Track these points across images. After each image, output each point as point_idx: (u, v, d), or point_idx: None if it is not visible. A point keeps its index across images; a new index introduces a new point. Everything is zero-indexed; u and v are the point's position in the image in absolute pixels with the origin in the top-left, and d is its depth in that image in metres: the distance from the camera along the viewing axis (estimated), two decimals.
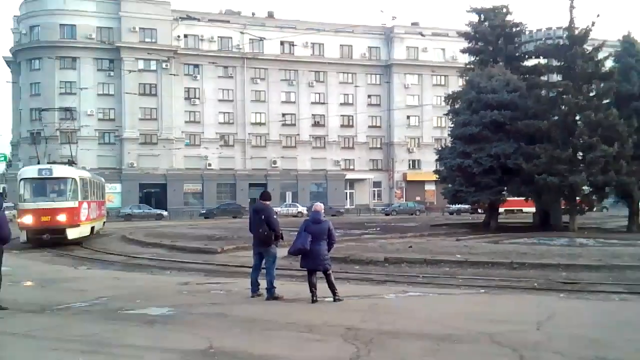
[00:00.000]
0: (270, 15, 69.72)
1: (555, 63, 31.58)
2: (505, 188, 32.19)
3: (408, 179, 70.53)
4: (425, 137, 71.01)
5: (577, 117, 29.24)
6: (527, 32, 35.72)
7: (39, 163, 25.16)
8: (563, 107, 29.98)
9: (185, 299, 10.20)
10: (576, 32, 29.91)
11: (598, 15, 30.37)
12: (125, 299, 10.12)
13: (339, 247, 13.86)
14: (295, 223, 18.47)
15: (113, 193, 57.56)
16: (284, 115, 67.50)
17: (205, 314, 8.84)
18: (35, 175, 22.68)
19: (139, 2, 62.70)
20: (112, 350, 6.73)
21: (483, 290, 11.54)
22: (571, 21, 30.10)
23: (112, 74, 61.97)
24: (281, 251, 11.15)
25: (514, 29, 35.84)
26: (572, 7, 30.18)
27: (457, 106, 34.97)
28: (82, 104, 58.64)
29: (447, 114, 39.02)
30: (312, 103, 69.07)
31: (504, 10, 35.82)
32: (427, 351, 6.57)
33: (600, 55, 30.84)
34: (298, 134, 68.40)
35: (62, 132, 53.05)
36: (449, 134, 36.62)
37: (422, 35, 68.89)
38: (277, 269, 10.58)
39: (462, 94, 34.66)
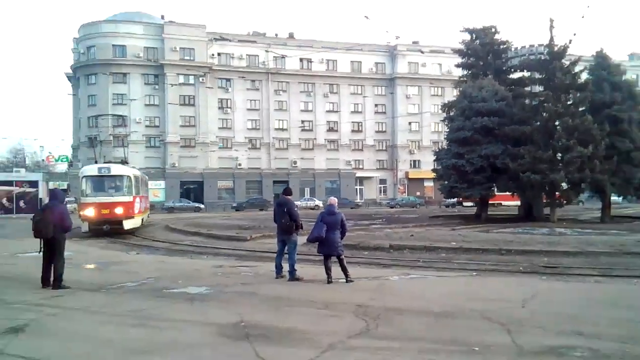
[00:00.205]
0: (291, 35, 69.64)
1: (537, 75, 31.29)
2: (494, 184, 31.96)
3: (410, 176, 70.24)
4: (424, 140, 70.65)
5: (557, 123, 28.97)
6: (512, 49, 35.50)
7: (96, 163, 25.00)
8: (544, 114, 29.74)
9: (220, 280, 10.22)
10: (555, 48, 29.66)
11: (575, 34, 30.30)
12: (168, 280, 10.19)
13: (350, 235, 13.87)
14: (312, 215, 18.50)
15: (158, 189, 58.00)
16: (302, 122, 67.54)
17: (237, 293, 8.87)
18: (96, 173, 22.37)
19: (179, 25, 63.08)
20: (157, 324, 6.78)
21: (475, 273, 11.47)
22: (551, 39, 29.86)
23: (156, 87, 62.31)
24: (301, 239, 11.19)
25: (501, 46, 35.57)
26: (552, 27, 29.98)
27: (452, 113, 34.74)
28: (131, 113, 58.97)
29: (443, 120, 38.80)
30: (327, 111, 68.97)
31: (493, 30, 35.54)
32: (426, 326, 6.56)
33: (577, 69, 30.52)
34: (315, 138, 68.35)
35: (115, 137, 53.71)
36: (445, 138, 36.41)
37: (422, 52, 68.39)
38: (297, 254, 10.57)
39: (456, 102, 34.43)
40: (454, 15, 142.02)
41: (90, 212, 21.23)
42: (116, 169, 22.91)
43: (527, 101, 31.84)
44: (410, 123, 70.92)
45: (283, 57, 63.69)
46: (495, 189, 32.89)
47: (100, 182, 22.26)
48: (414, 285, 9.80)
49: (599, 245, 15.32)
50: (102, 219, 21.29)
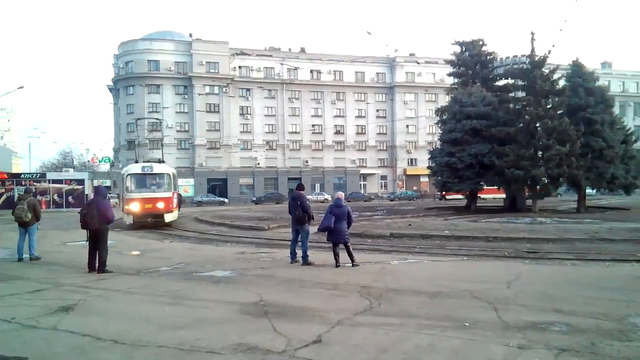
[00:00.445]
0: (302, 50, 69.50)
1: (520, 83, 31.03)
2: (482, 179, 31.78)
3: (407, 173, 69.96)
4: (420, 141, 70.29)
5: (537, 124, 28.72)
6: (498, 59, 35.22)
7: (137, 162, 24.46)
8: (526, 116, 29.51)
9: (242, 264, 10.24)
10: (536, 58, 29.41)
11: (553, 46, 30.75)
12: (197, 265, 10.23)
13: (355, 225, 13.85)
14: (322, 207, 18.48)
15: (188, 185, 58.27)
16: (313, 125, 67.47)
17: (257, 275, 8.89)
18: (140, 171, 21.79)
19: (205, 42, 63.15)
20: (189, 303, 6.83)
21: (465, 258, 11.40)
22: (532, 50, 29.60)
23: (186, 96, 62.49)
24: (312, 228, 11.18)
25: (488, 57, 35.34)
26: (533, 39, 29.71)
27: (444, 117, 34.56)
28: (163, 119, 59.32)
29: (437, 123, 38.63)
30: (335, 116, 68.80)
31: (480, 42, 35.31)
32: (423, 304, 6.54)
33: (555, 76, 30.27)
34: (324, 140, 68.23)
35: (150, 140, 53.96)
36: (438, 139, 36.20)
37: (418, 63, 68.19)
38: (309, 242, 10.61)
39: (448, 107, 34.24)
40: (446, 30, 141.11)
41: (135, 207, 20.79)
42: (157, 168, 22.38)
43: (511, 105, 31.62)
44: (407, 126, 70.59)
45: (296, 69, 63.60)
46: (483, 184, 32.71)
47: (144, 180, 21.80)
48: (411, 268, 9.77)
49: (575, 233, 15.19)
50: (146, 212, 20.92)
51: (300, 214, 10.23)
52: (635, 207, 30.92)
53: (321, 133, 67.85)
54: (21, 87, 40.14)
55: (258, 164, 64.63)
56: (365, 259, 10.56)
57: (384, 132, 71.37)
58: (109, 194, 27.55)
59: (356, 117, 69.69)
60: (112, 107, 69.01)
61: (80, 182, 44.00)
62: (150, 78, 61.51)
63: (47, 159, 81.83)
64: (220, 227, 22.21)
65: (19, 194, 17.65)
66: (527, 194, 30.99)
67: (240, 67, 64.67)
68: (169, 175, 22.20)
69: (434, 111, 43.07)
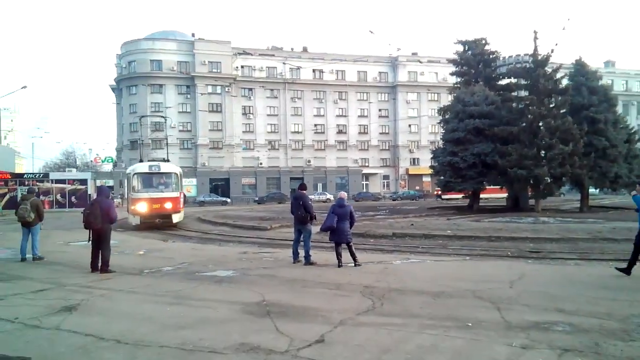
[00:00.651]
0: (305, 49, 69.50)
1: (523, 82, 30.98)
2: (485, 179, 31.71)
3: (410, 172, 69.91)
4: (423, 140, 70.22)
5: (540, 124, 28.67)
6: (501, 58, 35.19)
7: (141, 161, 23.78)
8: (529, 116, 29.46)
9: (244, 264, 10.24)
10: (539, 57, 29.32)
11: (556, 44, 30.41)
12: (200, 264, 10.23)
13: (358, 225, 13.82)
14: (324, 207, 18.47)
15: (190, 185, 58.29)
16: (315, 125, 67.50)
17: (259, 275, 8.88)
18: (147, 170, 21.12)
19: (207, 42, 63.23)
20: (191, 302, 6.84)
21: (468, 258, 11.38)
22: (535, 49, 29.51)
23: (188, 96, 62.59)
24: (314, 228, 11.18)
25: (490, 56, 35.26)
26: (535, 38, 29.64)
27: (447, 116, 34.48)
28: (166, 119, 59.42)
29: (439, 123, 38.51)
30: (337, 116, 68.82)
31: (483, 41, 35.22)
32: (425, 304, 6.53)
33: (558, 75, 30.19)
34: (326, 140, 68.24)
35: (153, 140, 54.07)
36: (441, 138, 36.17)
37: (420, 62, 68.03)
38: (311, 241, 10.59)
39: (451, 107, 34.16)
40: (449, 29, 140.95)
41: (142, 207, 20.18)
42: (165, 167, 21.77)
43: (514, 105, 31.54)
44: (410, 125, 70.53)
45: (298, 68, 63.63)
46: (486, 183, 32.67)
47: (151, 179, 21.18)
48: (414, 268, 9.75)
49: (578, 232, 15.16)
50: (153, 213, 20.29)
51: (302, 213, 10.22)
52: None
53: (323, 133, 67.85)
54: (24, 87, 40.29)
55: (260, 163, 64.67)
56: (368, 259, 10.54)
57: (387, 131, 71.32)
58: (112, 193, 27.45)
59: (358, 116, 69.67)
60: (115, 107, 69.15)
61: (83, 182, 44.07)
62: (152, 78, 61.61)
63: (50, 158, 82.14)
64: (223, 227, 22.18)
65: (22, 194, 17.69)
66: (529, 193, 30.91)
67: (242, 67, 64.71)
68: (177, 174, 21.64)
69: (436, 110, 42.94)
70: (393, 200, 57.87)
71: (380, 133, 70.90)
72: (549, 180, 28.61)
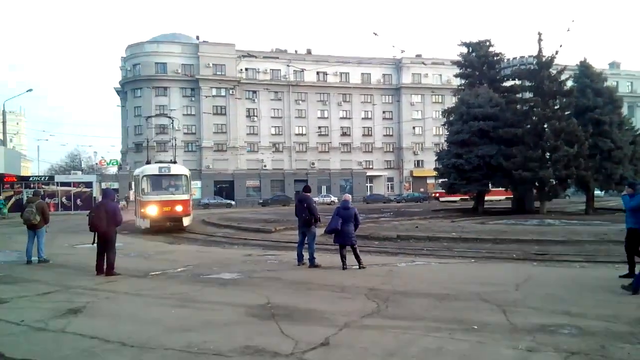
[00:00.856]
0: (309, 52, 69.59)
1: (527, 83, 30.90)
2: (490, 181, 31.62)
3: (414, 174, 69.74)
4: (427, 142, 70.07)
5: (545, 126, 28.56)
6: (505, 60, 35.01)
7: (148, 163, 23.21)
8: (534, 117, 29.38)
9: (249, 267, 10.25)
10: (543, 59, 29.27)
11: (561, 46, 30.40)
12: (205, 267, 10.25)
13: (362, 227, 13.80)
14: (328, 210, 18.45)
15: (194, 188, 58.17)
16: (319, 127, 67.50)
17: (264, 278, 8.89)
18: (156, 172, 20.50)
19: (212, 45, 63.47)
20: (196, 305, 6.85)
21: (473, 260, 11.33)
22: (539, 51, 29.45)
23: (193, 99, 62.75)
24: (319, 231, 11.17)
25: (495, 58, 35.15)
26: (540, 40, 29.60)
27: (451, 118, 34.42)
28: (171, 122, 59.50)
29: (443, 125, 38.48)
30: (341, 118, 68.79)
31: (487, 43, 35.14)
32: (431, 307, 6.51)
33: (563, 77, 30.11)
34: (330, 142, 68.22)
35: (158, 143, 54.20)
36: (445, 140, 36.09)
37: (424, 64, 68.03)
38: (316, 244, 10.59)
39: (455, 109, 34.10)
40: (453, 31, 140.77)
41: (152, 210, 19.48)
42: (175, 169, 21.15)
43: (518, 106, 31.48)
44: (414, 127, 70.46)
45: (302, 70, 63.72)
46: (491, 185, 32.56)
47: (161, 181, 20.60)
48: (419, 271, 9.74)
49: (584, 235, 15.09)
50: (164, 216, 19.65)
51: (306, 216, 10.23)
52: None
53: (327, 135, 67.86)
54: (30, 90, 40.49)
55: (264, 166, 64.72)
56: (372, 261, 10.53)
57: (390, 133, 71.24)
58: (117, 196, 27.23)
59: (362, 118, 69.61)
60: (120, 110, 69.41)
61: (89, 184, 44.27)
62: (157, 81, 61.79)
63: (56, 161, 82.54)
64: (227, 229, 22.18)
65: (27, 196, 17.75)
66: (535, 195, 30.80)
67: (246, 69, 64.82)
68: (187, 176, 21.10)
69: (440, 112, 42.98)
70: (397, 202, 57.74)
71: (384, 135, 70.82)
72: (554, 182, 28.48)
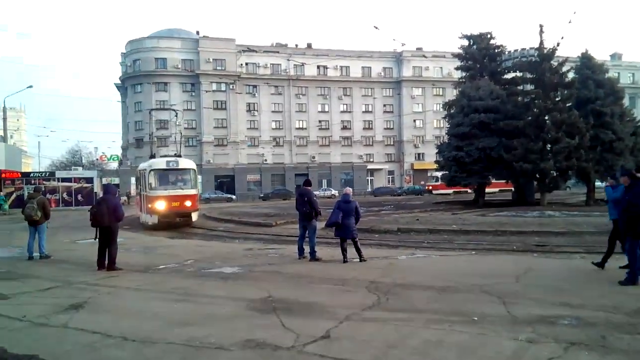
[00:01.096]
0: (309, 46, 69.31)
1: (528, 75, 30.72)
2: (490, 173, 31.57)
3: (415, 167, 69.65)
4: (427, 135, 69.97)
5: (546, 117, 28.44)
6: (506, 52, 34.92)
7: (153, 157, 22.59)
8: (535, 109, 29.24)
9: (250, 261, 10.27)
10: (545, 51, 29.08)
11: (562, 38, 30.06)
12: (206, 261, 10.27)
13: (363, 220, 13.78)
14: (329, 203, 18.44)
15: None
16: (320, 121, 67.38)
17: (265, 272, 8.91)
18: (164, 167, 20.02)
19: (212, 40, 63.26)
20: (197, 299, 6.87)
21: (474, 252, 11.34)
22: (541, 42, 29.27)
23: (193, 94, 62.64)
24: (320, 224, 11.17)
25: (496, 50, 34.98)
26: (541, 31, 29.37)
27: (452, 111, 34.31)
28: (172, 117, 59.47)
29: (444, 117, 38.35)
30: (342, 112, 68.66)
31: (489, 36, 34.95)
32: (431, 299, 6.53)
33: (564, 69, 29.93)
34: (331, 135, 68.13)
35: (159, 138, 54.12)
36: (446, 133, 35.99)
37: (425, 57, 67.82)
38: (317, 237, 10.61)
39: (456, 101, 33.99)
40: (454, 23, 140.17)
41: (160, 205, 19.00)
42: (183, 163, 20.67)
43: (519, 99, 31.35)
44: (415, 120, 70.32)
45: (302, 65, 63.51)
46: (491, 178, 32.52)
47: (169, 176, 20.14)
48: (419, 263, 9.75)
49: (584, 226, 15.09)
50: (173, 211, 19.23)
51: (307, 209, 10.24)
52: None
53: (328, 129, 67.76)
54: (30, 87, 40.47)
55: (265, 160, 64.70)
56: (373, 254, 10.54)
57: (391, 127, 71.12)
58: (118, 191, 27.15)
59: (363, 112, 69.47)
60: (120, 105, 69.34)
61: (89, 180, 44.34)
62: (157, 76, 61.66)
63: (56, 157, 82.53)
64: (228, 223, 22.19)
65: (28, 192, 17.80)
66: (535, 187, 30.77)
67: (247, 64, 64.64)
68: (194, 170, 20.77)
69: (441, 105, 42.76)
70: (398, 195, 57.75)
71: (385, 128, 70.70)
72: (554, 174, 28.41)
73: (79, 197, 42.57)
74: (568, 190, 44.09)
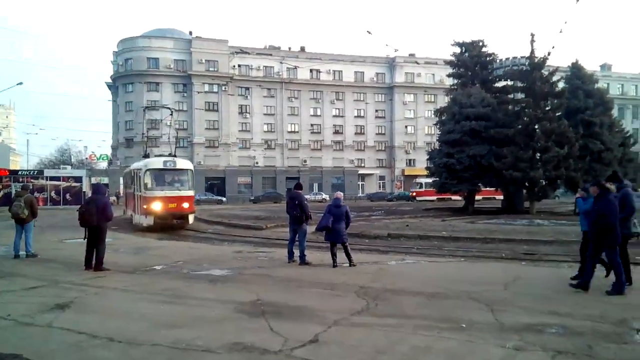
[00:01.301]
0: (302, 49, 69.45)
1: (519, 84, 31.03)
2: (480, 181, 31.77)
3: (406, 173, 69.84)
4: (419, 141, 70.28)
5: (536, 126, 28.72)
6: (497, 61, 35.26)
7: (146, 157, 22.08)
8: (525, 118, 29.51)
9: (239, 264, 10.24)
10: (536, 60, 29.38)
11: (553, 47, 30.75)
12: (195, 263, 10.22)
13: (353, 225, 13.81)
14: (320, 207, 18.41)
15: None
16: (312, 125, 67.47)
17: (254, 275, 8.88)
18: (161, 167, 19.40)
19: (204, 40, 63.12)
20: (185, 301, 6.84)
21: (463, 259, 11.40)
22: (532, 52, 29.56)
23: (185, 94, 62.39)
24: (310, 228, 11.16)
25: (487, 58, 35.28)
26: (532, 41, 29.67)
27: (443, 118, 34.52)
28: (163, 117, 59.14)
29: (435, 124, 38.55)
30: (334, 116, 68.79)
31: (480, 44, 35.24)
32: (420, 305, 6.54)
33: (554, 78, 30.22)
34: (323, 140, 68.21)
35: (149, 138, 53.76)
36: (437, 139, 36.16)
37: (417, 63, 68.20)
38: (307, 241, 10.59)
39: (447, 108, 34.20)
40: (447, 30, 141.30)
41: (157, 206, 18.50)
42: (181, 163, 20.16)
43: (510, 107, 31.63)
44: (406, 126, 70.65)
45: (295, 68, 63.55)
46: (481, 185, 32.73)
47: (166, 176, 19.56)
48: (409, 269, 9.77)
49: (572, 235, 15.13)
50: (169, 213, 18.75)
51: (298, 213, 10.23)
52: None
53: (320, 133, 67.83)
54: (20, 84, 40.04)
55: (256, 163, 64.57)
56: (363, 259, 10.55)
57: (383, 132, 71.38)
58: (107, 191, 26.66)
59: (355, 117, 69.68)
60: (111, 105, 68.88)
61: (78, 179, 43.91)
62: (149, 76, 61.38)
63: (45, 155, 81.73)
64: (218, 225, 22.14)
65: (16, 190, 17.57)
66: (525, 195, 30.99)
67: (239, 66, 64.58)
68: (192, 171, 20.33)
69: (433, 112, 43.09)
70: (388, 201, 57.86)
71: (377, 134, 70.94)
72: (544, 183, 28.68)
73: (68, 196, 42.16)
74: (557, 199, 44.49)
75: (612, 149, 28.89)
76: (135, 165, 22.01)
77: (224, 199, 55.97)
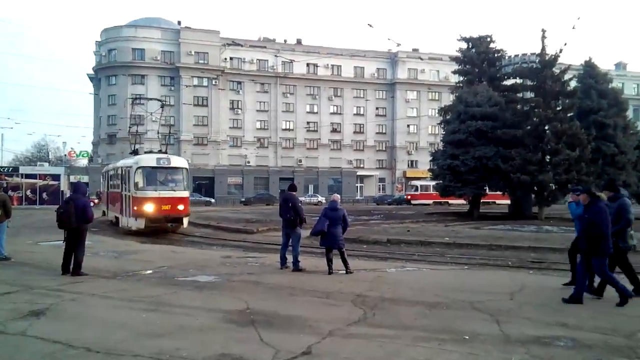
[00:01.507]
0: (299, 42, 69.58)
1: (529, 83, 31.13)
2: (486, 184, 31.83)
3: (407, 175, 69.98)
4: (421, 142, 70.53)
5: (546, 127, 28.82)
6: (506, 57, 35.28)
7: (135, 153, 21.49)
8: (535, 118, 29.59)
9: (228, 269, 10.22)
10: (547, 57, 29.48)
11: (565, 44, 30.32)
12: (180, 269, 10.19)
13: (350, 230, 13.78)
14: (315, 210, 18.44)
15: None
16: (308, 123, 67.58)
17: (244, 282, 8.87)
18: (154, 165, 18.73)
19: (194, 31, 63.14)
20: (169, 309, 6.81)
21: (466, 267, 11.43)
22: (543, 48, 29.67)
23: (172, 88, 62.34)
24: (304, 232, 11.16)
25: (495, 55, 35.37)
26: (543, 37, 29.77)
27: (448, 117, 34.56)
28: (153, 110, 58.97)
29: (440, 124, 38.67)
30: (331, 113, 68.96)
31: (488, 39, 35.34)
32: (420, 315, 6.54)
33: (566, 77, 30.35)
34: (319, 138, 68.32)
35: (132, 135, 53.70)
36: (441, 140, 36.22)
37: (421, 59, 68.35)
38: (301, 246, 10.59)
39: (452, 107, 34.26)
40: (452, 24, 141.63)
41: (149, 208, 17.92)
42: (175, 161, 19.55)
43: (518, 106, 31.70)
44: (408, 125, 70.84)
45: (291, 62, 63.61)
46: (487, 189, 32.81)
47: (160, 175, 18.93)
48: (409, 277, 9.77)
49: None
50: (163, 215, 18.25)
51: (291, 216, 10.22)
52: None
53: (316, 131, 67.90)
54: None
55: (248, 162, 64.53)
56: (360, 266, 10.56)
57: (384, 131, 71.53)
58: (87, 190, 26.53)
59: (354, 114, 69.82)
60: (93, 98, 68.62)
61: (56, 177, 43.83)
62: (134, 68, 61.32)
63: (21, 151, 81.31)
64: (206, 229, 22.12)
65: None
66: (533, 200, 31.07)
67: (231, 59, 64.59)
68: (187, 170, 19.81)
69: (437, 111, 43.21)
70: (388, 204, 57.96)
71: (377, 133, 71.09)
72: (553, 187, 28.79)
73: (44, 195, 42.06)
74: (567, 204, 44.76)
75: (627, 152, 29.02)
76: (123, 162, 21.36)
77: (212, 200, 55.96)
